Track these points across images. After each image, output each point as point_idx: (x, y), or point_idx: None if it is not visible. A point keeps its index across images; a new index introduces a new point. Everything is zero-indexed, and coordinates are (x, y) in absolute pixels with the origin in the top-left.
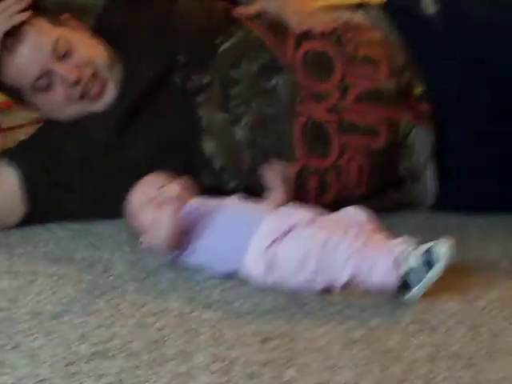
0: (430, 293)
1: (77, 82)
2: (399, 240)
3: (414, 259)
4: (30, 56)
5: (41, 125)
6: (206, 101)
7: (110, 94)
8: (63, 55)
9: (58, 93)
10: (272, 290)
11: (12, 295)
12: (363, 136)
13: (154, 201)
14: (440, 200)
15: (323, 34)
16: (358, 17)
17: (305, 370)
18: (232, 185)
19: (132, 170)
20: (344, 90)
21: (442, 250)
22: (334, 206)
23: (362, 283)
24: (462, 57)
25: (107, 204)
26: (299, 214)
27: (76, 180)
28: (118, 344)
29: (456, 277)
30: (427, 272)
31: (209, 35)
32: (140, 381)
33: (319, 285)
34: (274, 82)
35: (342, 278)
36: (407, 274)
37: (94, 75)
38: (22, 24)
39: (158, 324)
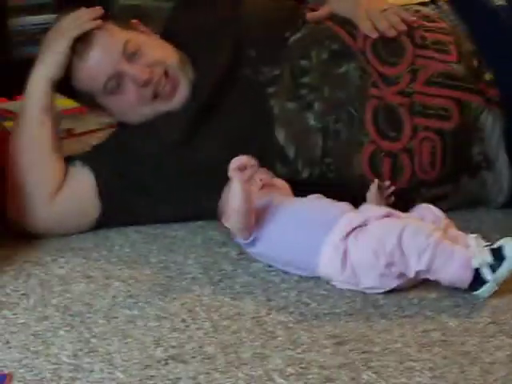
0: (508, 293)
1: (148, 82)
2: (473, 236)
3: (485, 255)
4: (100, 59)
5: (113, 129)
6: (276, 91)
7: (182, 94)
8: (133, 57)
9: (130, 94)
10: (348, 291)
11: (87, 299)
12: (434, 118)
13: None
14: None
15: None
16: (426, 9)
17: (381, 372)
18: (305, 174)
19: (204, 170)
20: (414, 73)
21: (511, 247)
22: (408, 193)
23: (435, 275)
24: None
25: (180, 205)
26: (374, 208)
27: (148, 181)
28: (193, 347)
29: None
30: (497, 269)
31: (278, 29)
32: None
33: (391, 281)
34: (344, 68)
35: (417, 267)
36: (479, 269)
37: (165, 74)
38: (92, 30)
39: (233, 327)
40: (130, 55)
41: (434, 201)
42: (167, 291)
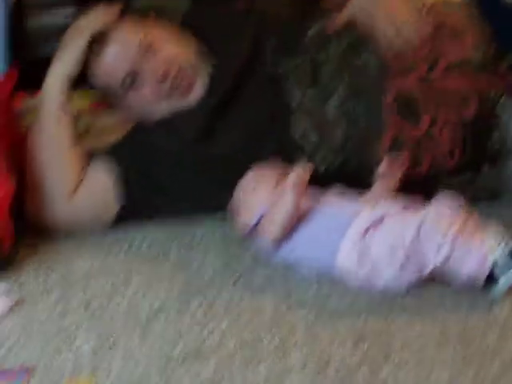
0: None
1: (164, 77)
2: (491, 231)
3: (501, 252)
4: (117, 55)
5: (132, 126)
6: (296, 81)
7: (198, 90)
8: (150, 53)
9: (148, 89)
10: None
11: (108, 294)
12: (454, 105)
13: (275, 185)
14: None
15: None
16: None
17: (401, 367)
18: (324, 166)
19: (222, 166)
20: (433, 61)
21: None
22: (428, 180)
23: (452, 272)
24: None
25: (197, 201)
26: (391, 203)
27: (167, 178)
28: (213, 343)
29: None
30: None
31: (296, 21)
32: (236, 379)
33: (410, 276)
34: (363, 58)
35: (433, 263)
36: (494, 266)
37: (182, 70)
38: (109, 27)
39: (252, 323)
40: (147, 51)
41: (454, 189)
42: (187, 287)
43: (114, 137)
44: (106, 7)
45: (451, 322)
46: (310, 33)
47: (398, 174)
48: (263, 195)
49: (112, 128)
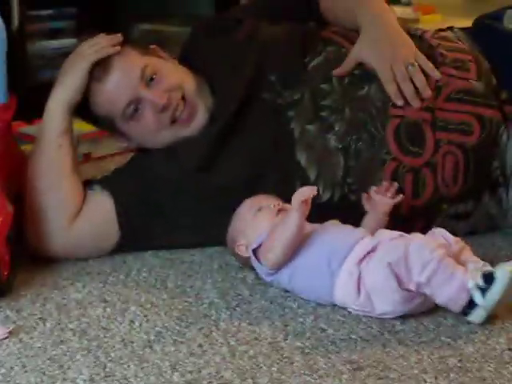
0: None
1: (166, 107)
2: (478, 260)
3: (477, 278)
4: (119, 83)
5: (133, 154)
6: (297, 114)
7: (200, 119)
8: (151, 81)
9: (149, 119)
10: (364, 317)
11: (104, 323)
12: (456, 132)
13: (276, 212)
14: None
15: None
16: (445, 32)
17: None
18: (326, 196)
19: (224, 195)
20: (437, 90)
21: (502, 272)
22: (429, 208)
23: (433, 291)
24: None
25: (197, 230)
26: (387, 232)
27: (167, 207)
28: (210, 372)
29: None
30: (487, 292)
31: (298, 54)
32: None
33: (406, 305)
34: (365, 89)
35: (419, 278)
36: (472, 293)
37: (183, 99)
38: (111, 55)
39: (250, 352)
40: (148, 80)
41: (456, 218)
42: (184, 316)
43: (114, 164)
44: (107, 35)
45: (448, 354)
46: (313, 64)
47: (391, 202)
48: (264, 222)
49: (112, 155)
